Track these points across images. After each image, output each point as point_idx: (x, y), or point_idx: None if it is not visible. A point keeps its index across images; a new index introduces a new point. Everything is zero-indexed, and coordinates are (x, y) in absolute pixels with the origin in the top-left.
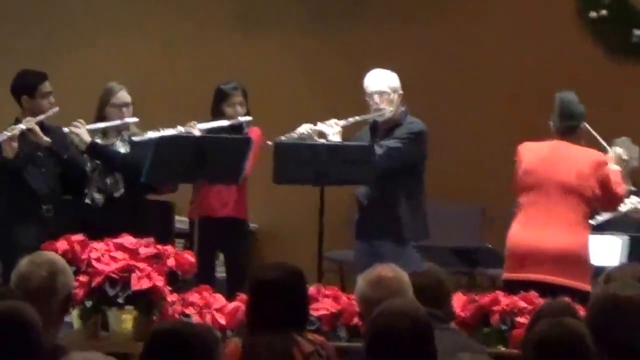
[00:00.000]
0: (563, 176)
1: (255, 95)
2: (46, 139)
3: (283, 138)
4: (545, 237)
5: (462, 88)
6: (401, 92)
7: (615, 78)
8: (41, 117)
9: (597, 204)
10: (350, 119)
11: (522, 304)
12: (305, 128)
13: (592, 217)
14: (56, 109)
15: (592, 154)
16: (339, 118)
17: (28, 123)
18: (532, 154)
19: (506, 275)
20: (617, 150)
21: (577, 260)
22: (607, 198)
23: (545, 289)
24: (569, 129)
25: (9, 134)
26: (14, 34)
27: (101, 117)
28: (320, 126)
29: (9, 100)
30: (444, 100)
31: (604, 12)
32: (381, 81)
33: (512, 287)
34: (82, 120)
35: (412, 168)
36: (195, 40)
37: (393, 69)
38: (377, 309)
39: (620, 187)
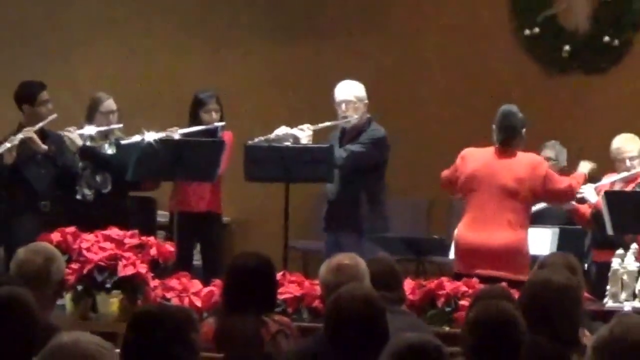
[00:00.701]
0: (503, 180)
1: (226, 102)
2: (43, 146)
3: (262, 139)
4: (490, 237)
5: (408, 96)
6: (366, 101)
7: (547, 88)
8: (40, 124)
9: (543, 198)
10: (321, 125)
11: (464, 289)
12: (282, 130)
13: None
14: (54, 115)
15: (529, 158)
16: (310, 122)
17: (27, 133)
18: (475, 160)
19: (458, 270)
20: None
21: (518, 256)
22: (551, 193)
23: (490, 281)
24: (507, 139)
25: (9, 145)
26: (13, 46)
27: (91, 121)
28: (294, 130)
29: (12, 106)
30: (393, 107)
31: (537, 30)
32: (348, 91)
33: (461, 279)
34: (74, 127)
35: (374, 169)
36: (172, 53)
37: (345, 77)
38: (336, 292)
39: (563, 184)
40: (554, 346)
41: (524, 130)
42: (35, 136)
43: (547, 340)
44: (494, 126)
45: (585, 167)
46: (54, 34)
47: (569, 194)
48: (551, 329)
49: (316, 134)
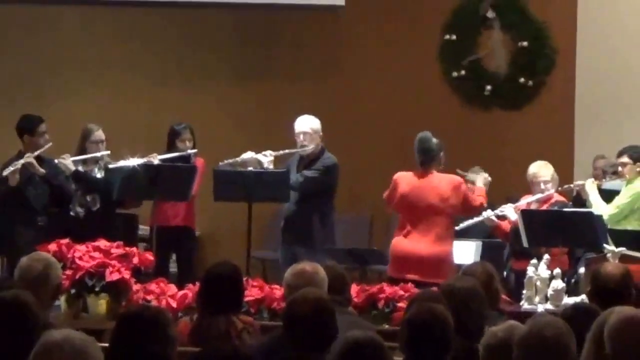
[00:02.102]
0: (430, 200)
1: (198, 132)
2: (41, 170)
3: (231, 161)
4: (420, 247)
5: (353, 128)
6: (321, 133)
7: (471, 122)
8: (38, 151)
9: (460, 214)
10: (281, 152)
11: (401, 293)
12: (248, 155)
13: (457, 225)
14: (50, 144)
15: (450, 180)
16: (272, 149)
17: (27, 159)
18: (406, 182)
19: (390, 274)
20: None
21: (443, 264)
22: (468, 209)
23: (419, 285)
24: (425, 161)
25: (12, 168)
26: (12, 84)
27: (82, 150)
28: (258, 155)
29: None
30: (341, 137)
31: (462, 72)
32: (306, 124)
33: (395, 282)
34: (67, 154)
35: (325, 192)
36: (152, 92)
37: (299, 114)
38: (293, 295)
39: (476, 201)
40: (463, 339)
41: (441, 153)
42: (34, 161)
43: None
44: (416, 153)
45: (480, 181)
46: (50, 74)
47: (480, 209)
48: (460, 325)
49: (277, 159)
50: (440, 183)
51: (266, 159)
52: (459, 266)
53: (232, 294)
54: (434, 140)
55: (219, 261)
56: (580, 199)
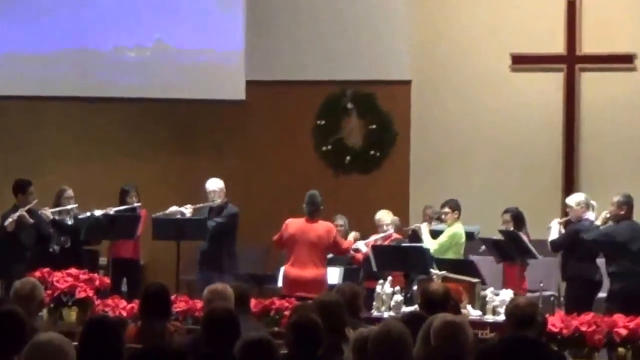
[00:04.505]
0: (311, 238)
1: (142, 191)
2: (30, 220)
3: (160, 214)
4: (304, 271)
5: (255, 187)
6: (225, 190)
7: (337, 184)
8: (28, 206)
9: (331, 251)
10: (198, 205)
11: (287, 304)
12: (173, 208)
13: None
14: (36, 200)
15: (326, 225)
16: (192, 204)
17: (21, 212)
18: (294, 226)
19: (283, 292)
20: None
21: (321, 284)
22: (336, 248)
23: (305, 299)
24: (312, 212)
25: (10, 220)
26: (8, 155)
27: (57, 204)
28: (181, 208)
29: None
30: (245, 192)
31: (329, 147)
32: (214, 184)
33: (286, 297)
34: (47, 207)
35: (230, 232)
36: (108, 162)
37: (213, 176)
38: (209, 306)
39: (344, 245)
40: (331, 337)
41: (322, 207)
42: (25, 214)
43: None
44: (304, 205)
45: (351, 236)
46: (36, 147)
47: (346, 251)
48: (328, 327)
49: (195, 210)
50: (319, 227)
51: (187, 210)
52: (331, 286)
53: (163, 305)
54: (319, 197)
55: (151, 282)
56: (415, 236)
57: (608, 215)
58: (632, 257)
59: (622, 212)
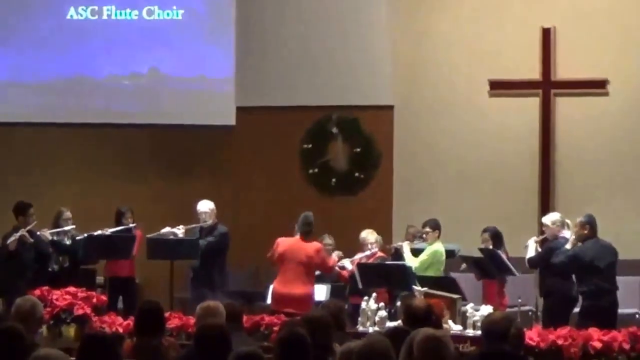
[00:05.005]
0: (300, 257)
1: (136, 213)
2: (31, 239)
3: (154, 235)
4: (292, 289)
5: (244, 208)
6: (215, 211)
7: (323, 205)
8: (28, 227)
9: (318, 269)
10: (190, 226)
11: (276, 320)
12: (166, 229)
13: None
14: (35, 222)
15: (315, 245)
16: (184, 225)
17: (22, 232)
18: (284, 244)
19: (272, 308)
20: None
21: (308, 300)
22: (324, 266)
23: (293, 315)
24: (307, 232)
25: (13, 238)
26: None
27: (56, 225)
28: (174, 229)
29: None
30: (235, 213)
31: (316, 169)
32: (205, 206)
33: (275, 314)
34: (46, 229)
35: (222, 251)
36: (104, 185)
37: (206, 198)
38: (201, 323)
39: (329, 263)
40: (318, 351)
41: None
42: (26, 234)
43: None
44: (299, 225)
45: (335, 255)
46: (37, 171)
47: (331, 268)
48: (315, 341)
49: (187, 231)
50: (309, 247)
51: (180, 231)
52: (318, 302)
53: (157, 322)
54: (311, 218)
55: (146, 300)
56: (398, 255)
57: (574, 237)
58: (601, 275)
59: (586, 232)
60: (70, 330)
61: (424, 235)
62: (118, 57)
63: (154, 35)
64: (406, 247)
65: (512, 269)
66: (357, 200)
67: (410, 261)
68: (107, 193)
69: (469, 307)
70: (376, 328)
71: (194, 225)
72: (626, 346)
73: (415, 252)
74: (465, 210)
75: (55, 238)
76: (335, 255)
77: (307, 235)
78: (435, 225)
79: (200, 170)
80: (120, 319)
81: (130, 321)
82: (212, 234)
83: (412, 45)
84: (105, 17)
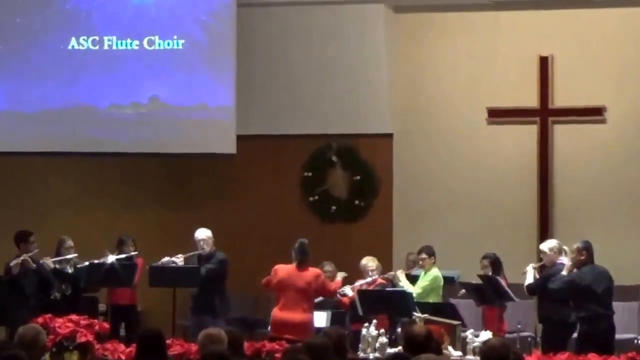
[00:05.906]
0: (299, 284)
1: (138, 242)
2: (33, 265)
3: (157, 263)
4: (293, 316)
5: (245, 235)
6: (213, 239)
7: (323, 232)
8: (30, 254)
9: (320, 295)
10: (189, 254)
11: (277, 347)
12: (166, 259)
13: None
14: (37, 250)
15: (314, 272)
16: (184, 253)
17: (24, 256)
18: (283, 271)
19: (272, 334)
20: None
21: (308, 327)
22: (325, 292)
23: (292, 341)
24: (302, 260)
25: (15, 261)
26: (7, 209)
27: (58, 254)
28: (173, 257)
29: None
30: (236, 241)
31: (316, 197)
32: (203, 233)
33: (275, 340)
34: (48, 257)
35: (222, 277)
36: (105, 214)
37: (207, 227)
38: (204, 350)
39: (332, 287)
40: None
41: (309, 255)
42: (29, 258)
43: None
44: (294, 252)
45: (339, 276)
46: (37, 201)
47: (334, 292)
48: None
49: (186, 259)
50: (307, 274)
51: (179, 260)
52: (319, 329)
53: (158, 349)
54: (307, 247)
55: (147, 327)
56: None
57: (570, 263)
58: (598, 300)
59: (583, 257)
60: (73, 358)
61: (420, 262)
62: (119, 87)
63: (154, 65)
64: (400, 275)
65: (512, 295)
66: (357, 227)
67: (410, 288)
68: (108, 222)
69: (469, 333)
70: (377, 355)
71: (192, 253)
72: None
73: (412, 279)
74: (464, 237)
75: (57, 266)
76: (339, 276)
77: (302, 263)
78: (430, 252)
79: (201, 199)
80: (122, 346)
81: (132, 348)
82: (211, 261)
83: (411, 74)
84: (106, 47)
